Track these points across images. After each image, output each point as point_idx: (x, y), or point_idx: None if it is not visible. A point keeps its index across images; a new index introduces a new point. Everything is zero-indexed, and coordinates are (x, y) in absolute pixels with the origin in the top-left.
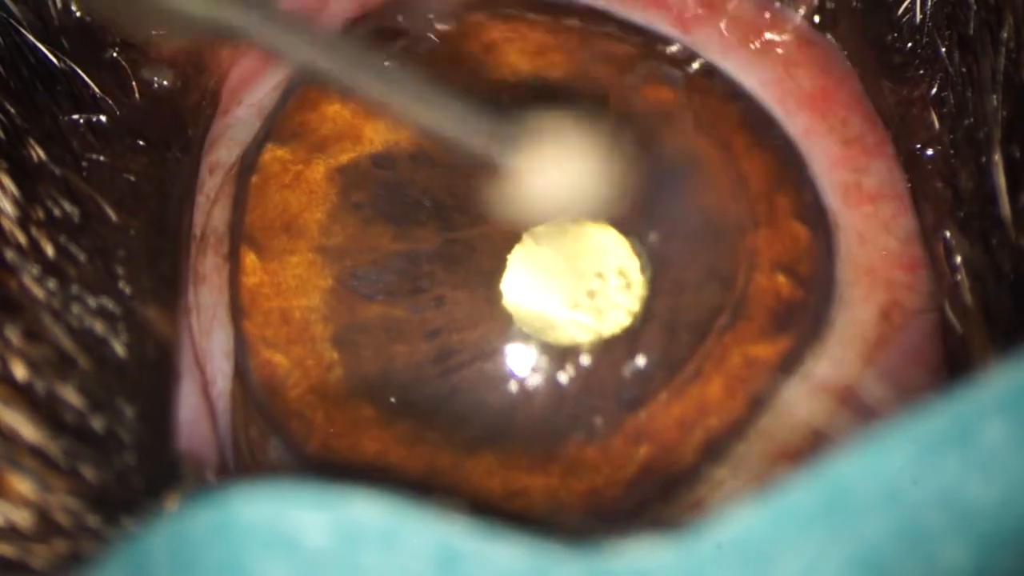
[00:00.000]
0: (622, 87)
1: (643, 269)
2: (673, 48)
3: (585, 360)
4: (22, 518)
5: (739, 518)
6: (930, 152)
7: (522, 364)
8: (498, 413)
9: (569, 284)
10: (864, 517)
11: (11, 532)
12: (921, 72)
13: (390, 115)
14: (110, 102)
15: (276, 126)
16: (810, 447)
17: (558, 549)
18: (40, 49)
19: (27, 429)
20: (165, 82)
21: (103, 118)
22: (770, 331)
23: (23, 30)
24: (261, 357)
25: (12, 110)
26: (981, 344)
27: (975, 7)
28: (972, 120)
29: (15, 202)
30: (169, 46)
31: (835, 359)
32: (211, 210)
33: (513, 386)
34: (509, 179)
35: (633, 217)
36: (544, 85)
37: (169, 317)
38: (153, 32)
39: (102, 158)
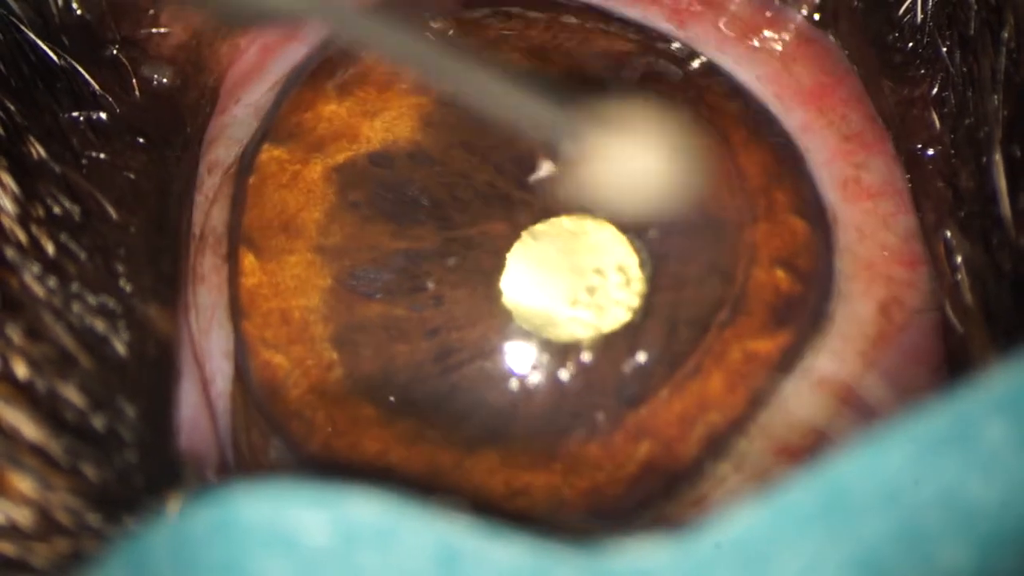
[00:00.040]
0: (620, 84)
1: (642, 265)
2: (670, 44)
3: (585, 357)
4: (23, 516)
5: (738, 518)
6: (931, 152)
7: (522, 362)
8: (499, 411)
9: (569, 281)
10: (863, 517)
11: (12, 530)
12: (922, 72)
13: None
14: (110, 100)
15: (273, 126)
16: (811, 443)
17: (558, 548)
18: (40, 46)
19: (28, 427)
20: (165, 80)
21: (103, 115)
22: (770, 326)
23: (23, 27)
24: (261, 358)
25: (12, 107)
26: (981, 344)
27: (976, 7)
28: (973, 120)
29: (15, 200)
30: (169, 43)
31: (835, 354)
32: (210, 210)
33: (514, 384)
34: (573, 165)
35: (632, 212)
36: (544, 83)
37: (169, 315)
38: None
39: (102, 156)
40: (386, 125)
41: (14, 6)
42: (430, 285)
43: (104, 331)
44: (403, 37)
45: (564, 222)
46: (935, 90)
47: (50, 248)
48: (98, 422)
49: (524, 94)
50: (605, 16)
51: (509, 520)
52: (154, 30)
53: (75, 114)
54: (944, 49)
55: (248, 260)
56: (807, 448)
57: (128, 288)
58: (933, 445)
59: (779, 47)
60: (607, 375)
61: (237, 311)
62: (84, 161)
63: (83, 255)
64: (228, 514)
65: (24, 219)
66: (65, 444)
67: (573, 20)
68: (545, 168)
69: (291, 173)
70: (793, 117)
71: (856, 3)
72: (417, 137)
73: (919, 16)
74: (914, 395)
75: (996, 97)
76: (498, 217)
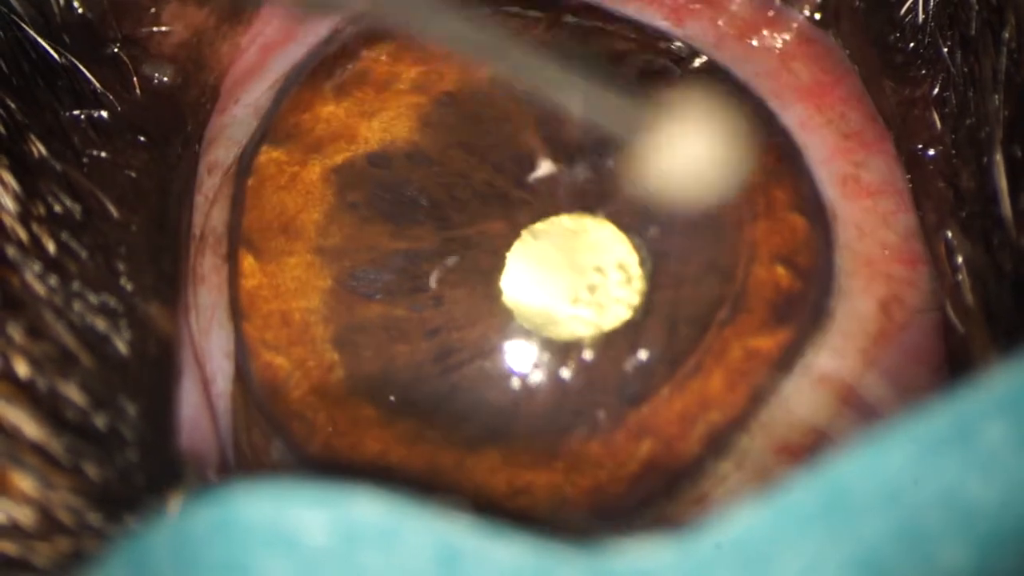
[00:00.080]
0: (619, 82)
1: (642, 263)
2: (670, 43)
3: (586, 355)
4: (24, 516)
5: (739, 518)
6: (932, 152)
7: (523, 361)
8: (500, 410)
9: (569, 279)
10: (864, 517)
11: (13, 530)
12: (923, 72)
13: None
14: (111, 98)
15: (272, 126)
16: (812, 442)
17: (559, 548)
18: (41, 45)
19: (29, 426)
20: (166, 78)
21: (104, 114)
22: (770, 323)
23: (24, 26)
24: (262, 359)
25: (13, 105)
26: (982, 344)
27: (977, 7)
28: (974, 120)
29: (16, 198)
30: (170, 42)
31: (836, 351)
32: (210, 210)
33: (515, 383)
34: (638, 155)
35: (631, 212)
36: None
37: (170, 315)
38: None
39: (103, 154)
40: (384, 126)
41: (15, 4)
42: (430, 285)
43: (105, 330)
44: (458, 18)
45: (564, 220)
46: (936, 90)
47: (51, 246)
48: (99, 421)
49: (594, 86)
50: (604, 15)
51: (510, 520)
52: (155, 28)
53: (76, 112)
54: (945, 49)
55: (248, 262)
56: (808, 447)
57: (129, 287)
58: (933, 445)
59: (779, 46)
60: (608, 373)
61: (237, 312)
62: (85, 159)
63: (84, 254)
64: (229, 513)
65: (25, 217)
66: (66, 443)
67: (572, 19)
68: (544, 167)
69: (290, 175)
70: (791, 114)
71: (857, 3)
72: (415, 137)
73: (920, 16)
74: (915, 395)
75: (997, 97)
76: (497, 216)
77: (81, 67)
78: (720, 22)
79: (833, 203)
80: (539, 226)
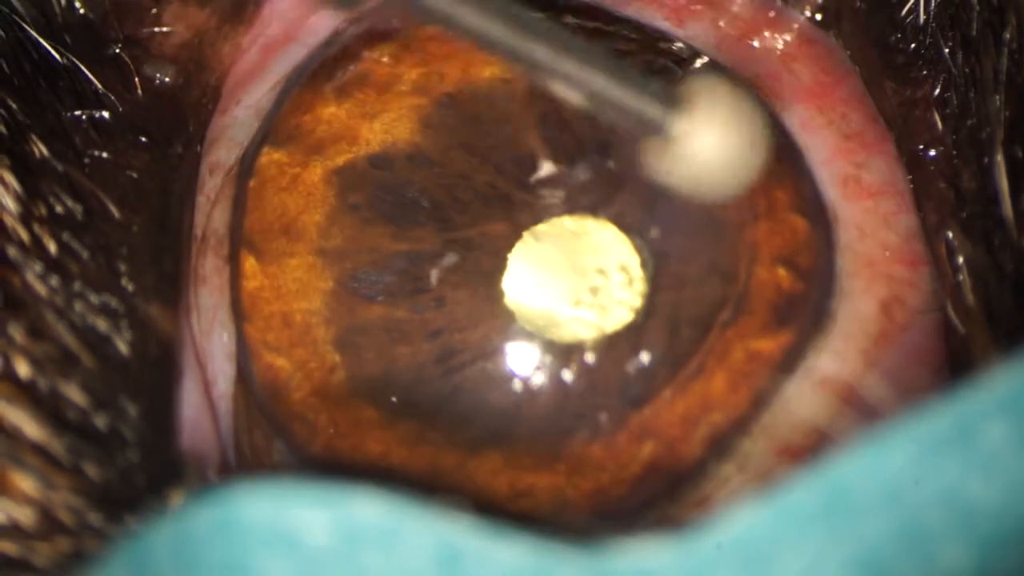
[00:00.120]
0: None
1: (644, 265)
2: (671, 44)
3: (588, 357)
4: (25, 516)
5: (740, 518)
6: (933, 153)
7: (525, 363)
8: (502, 412)
9: (571, 281)
10: (865, 517)
11: (14, 530)
12: (924, 73)
13: (556, 79)
14: (112, 98)
15: (273, 128)
16: (815, 443)
17: (560, 548)
18: (43, 45)
19: (30, 427)
20: (167, 78)
21: (105, 114)
22: (772, 325)
23: (26, 26)
24: (263, 361)
25: (14, 106)
26: (983, 345)
27: (978, 8)
28: (975, 121)
29: (17, 198)
30: (171, 42)
31: (837, 353)
32: (211, 211)
33: (517, 385)
34: (670, 142)
35: (633, 213)
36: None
37: (171, 315)
38: None
39: (104, 154)
40: (385, 127)
41: (17, 5)
42: (431, 287)
43: (106, 330)
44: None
45: (566, 222)
46: (937, 91)
47: (52, 247)
48: (100, 421)
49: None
50: (605, 15)
51: (511, 520)
52: (156, 29)
53: (77, 113)
54: (946, 50)
55: (249, 263)
56: (810, 448)
57: (130, 287)
58: (934, 445)
59: (780, 47)
60: (610, 375)
61: (239, 314)
62: (86, 160)
63: (85, 254)
64: (230, 513)
65: (26, 218)
66: (67, 443)
67: (573, 20)
68: (545, 168)
69: (291, 176)
70: (792, 115)
71: (859, 4)
72: (416, 139)
73: (921, 17)
74: (916, 395)
75: (998, 98)
76: (499, 218)
77: (83, 67)
78: (721, 23)
79: (834, 204)
80: (541, 228)
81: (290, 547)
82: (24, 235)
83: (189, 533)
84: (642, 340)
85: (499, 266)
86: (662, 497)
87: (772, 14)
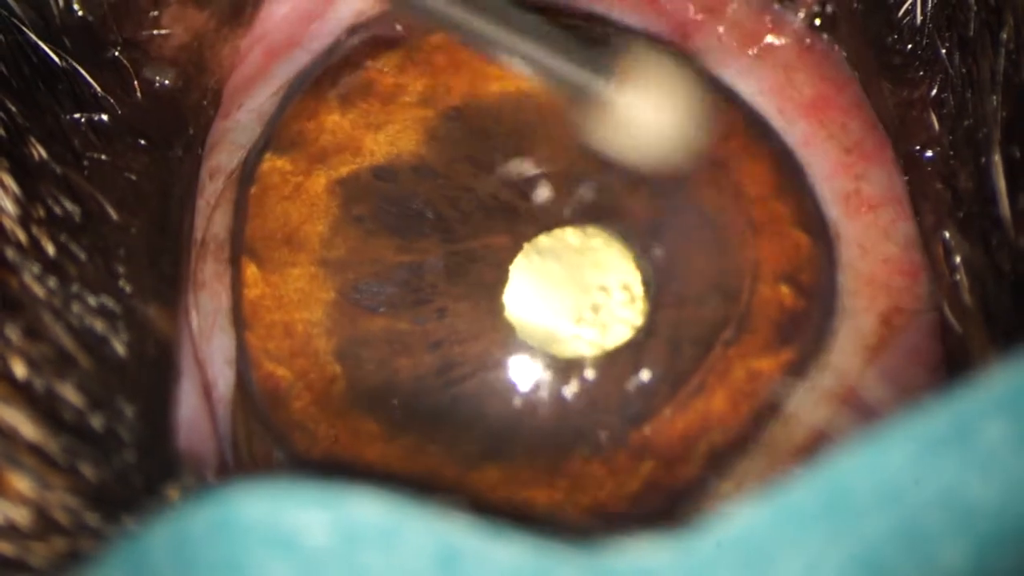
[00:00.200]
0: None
1: (646, 283)
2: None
3: (589, 374)
4: (21, 516)
5: (739, 517)
6: (929, 153)
7: (525, 377)
8: (501, 427)
9: (573, 298)
10: (864, 516)
11: (10, 530)
12: (921, 73)
13: (489, 48)
14: (111, 101)
15: (276, 133)
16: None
17: (559, 548)
18: (42, 48)
19: (26, 427)
20: (167, 81)
21: (104, 117)
22: (774, 343)
23: (25, 29)
24: (264, 370)
25: (13, 108)
26: (981, 344)
27: (975, 8)
28: (972, 121)
29: (16, 200)
30: (170, 44)
31: (839, 370)
32: (212, 215)
33: (516, 399)
34: (603, 111)
35: (636, 230)
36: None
37: (170, 316)
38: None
39: (103, 157)
40: (390, 138)
41: (15, 7)
42: (433, 298)
43: (103, 331)
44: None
45: (569, 237)
46: (934, 91)
47: (50, 249)
48: (97, 422)
49: (566, 39)
50: (604, 24)
51: (509, 521)
52: (155, 31)
53: (76, 115)
54: (943, 50)
55: (251, 271)
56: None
57: (128, 289)
58: (933, 445)
59: (780, 55)
60: (610, 393)
61: (240, 322)
62: (85, 162)
63: (83, 256)
64: (228, 513)
65: (25, 220)
66: (63, 444)
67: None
68: (549, 182)
69: (294, 185)
70: (795, 131)
71: (856, 5)
72: (421, 151)
73: (918, 18)
74: (913, 395)
75: (995, 98)
76: (501, 230)
77: (82, 70)
78: (720, 29)
79: (836, 223)
80: (544, 242)
81: (289, 547)
82: (22, 237)
83: (187, 533)
84: (643, 357)
85: (501, 279)
86: (661, 515)
87: (768, 19)
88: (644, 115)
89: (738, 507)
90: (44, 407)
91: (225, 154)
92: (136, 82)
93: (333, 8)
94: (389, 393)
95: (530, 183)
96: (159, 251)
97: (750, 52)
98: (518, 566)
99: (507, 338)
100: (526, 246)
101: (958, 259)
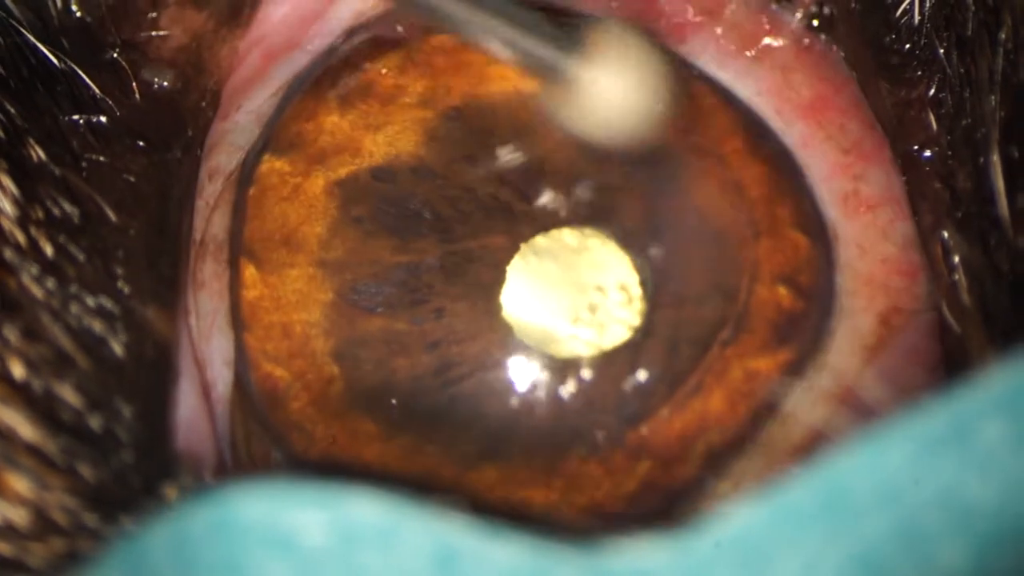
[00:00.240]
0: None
1: (644, 283)
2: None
3: (586, 374)
4: (19, 516)
5: (738, 516)
6: (928, 153)
7: (522, 377)
8: (499, 427)
9: (570, 298)
10: (863, 516)
11: (8, 531)
12: (919, 73)
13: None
14: (110, 102)
15: (274, 134)
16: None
17: (557, 548)
18: (40, 49)
19: (25, 428)
20: (165, 83)
21: (103, 118)
22: (771, 344)
23: (23, 30)
24: (262, 370)
25: (12, 110)
26: (979, 344)
27: (973, 8)
28: (970, 121)
29: (15, 202)
30: (169, 46)
31: (836, 370)
32: (211, 216)
33: (514, 399)
34: (571, 88)
35: (634, 230)
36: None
37: (168, 317)
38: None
39: (102, 158)
40: (389, 139)
41: (13, 8)
42: (431, 298)
43: (102, 332)
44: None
45: (566, 237)
46: (932, 91)
47: (49, 250)
48: (95, 422)
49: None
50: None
51: (508, 520)
52: (154, 33)
53: (75, 117)
54: (941, 50)
55: (249, 272)
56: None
57: (127, 290)
58: (931, 445)
59: (777, 56)
60: (608, 393)
61: (238, 322)
62: (84, 164)
63: (82, 257)
64: (227, 513)
65: (23, 221)
66: (62, 444)
67: None
68: (548, 182)
69: (292, 186)
70: (793, 132)
71: (853, 5)
72: (420, 152)
73: (916, 17)
74: (912, 395)
75: (993, 98)
76: (499, 230)
77: (80, 72)
78: (718, 30)
79: (834, 223)
80: (541, 242)
81: (287, 547)
82: (21, 238)
83: (186, 533)
84: (640, 358)
85: (498, 279)
86: (658, 514)
87: (765, 19)
88: (610, 91)
89: (736, 507)
90: (42, 408)
91: (224, 155)
92: (135, 84)
93: (332, 9)
94: (387, 393)
95: (528, 184)
96: (158, 252)
97: (748, 54)
98: (516, 566)
99: (504, 338)
100: (523, 247)
101: (956, 259)
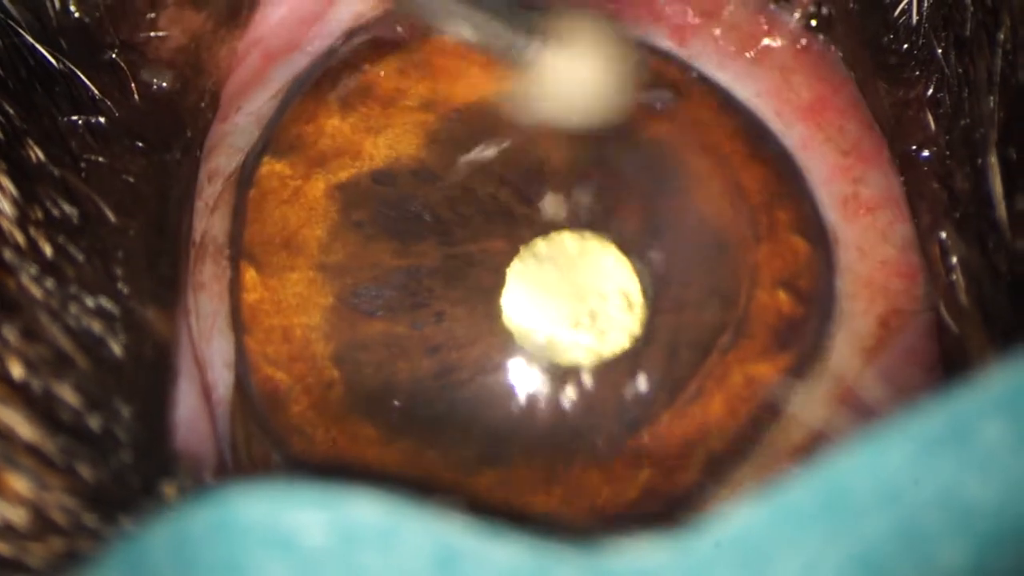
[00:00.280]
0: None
1: (644, 289)
2: (670, 62)
3: (587, 380)
4: (18, 516)
5: (738, 516)
6: (926, 153)
7: (523, 383)
8: (499, 432)
9: (570, 304)
10: (863, 516)
11: (7, 530)
12: (917, 73)
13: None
14: (109, 103)
15: (274, 136)
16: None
17: (557, 548)
18: (39, 50)
19: (24, 428)
20: (164, 84)
21: (102, 119)
22: (772, 349)
23: (22, 31)
24: (262, 373)
25: (11, 111)
26: (978, 344)
27: (972, 8)
28: (968, 121)
29: (14, 202)
30: (168, 47)
31: (836, 371)
32: (210, 218)
33: (514, 405)
34: (533, 74)
35: (633, 234)
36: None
37: (167, 318)
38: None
39: (101, 159)
40: (389, 142)
41: (11, 9)
42: (431, 302)
43: (101, 332)
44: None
45: (566, 242)
46: (930, 91)
47: (48, 250)
48: (94, 422)
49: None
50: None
51: (508, 521)
52: (152, 34)
53: (74, 118)
54: (940, 50)
55: (249, 275)
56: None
57: (126, 290)
58: (931, 445)
59: (776, 57)
60: (608, 399)
61: (239, 326)
62: (83, 164)
63: (81, 257)
64: (227, 514)
65: (22, 221)
66: (61, 444)
67: None
68: (549, 186)
69: (292, 189)
70: (793, 134)
71: (851, 5)
72: (421, 154)
73: (914, 18)
74: (911, 396)
75: (992, 98)
76: (499, 234)
77: (79, 73)
78: (717, 32)
79: (834, 227)
80: (542, 247)
81: (287, 547)
82: (20, 238)
83: (186, 533)
84: (641, 363)
85: (499, 283)
86: (658, 521)
87: (763, 20)
88: (571, 73)
89: (736, 507)
90: (42, 408)
91: (224, 157)
92: (133, 84)
93: (331, 10)
94: (387, 397)
95: (528, 187)
96: (157, 253)
97: (747, 55)
98: (516, 566)
99: (505, 343)
100: (524, 251)
101: (955, 259)
